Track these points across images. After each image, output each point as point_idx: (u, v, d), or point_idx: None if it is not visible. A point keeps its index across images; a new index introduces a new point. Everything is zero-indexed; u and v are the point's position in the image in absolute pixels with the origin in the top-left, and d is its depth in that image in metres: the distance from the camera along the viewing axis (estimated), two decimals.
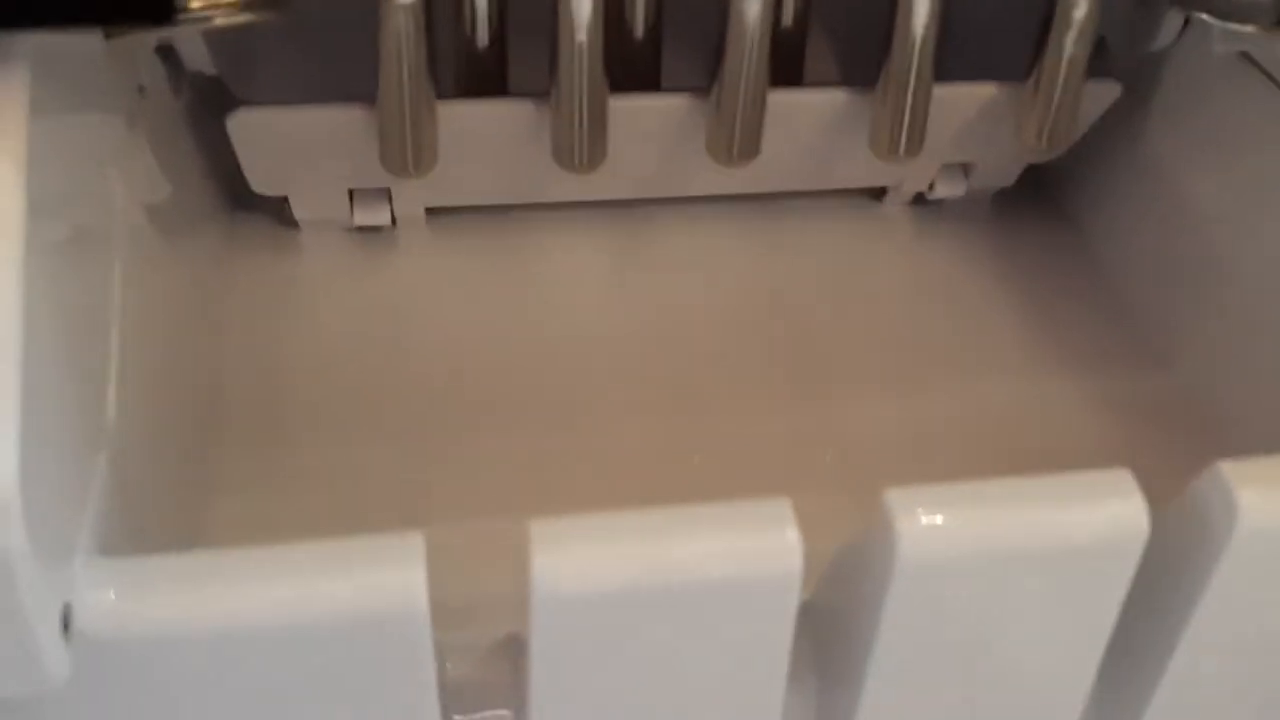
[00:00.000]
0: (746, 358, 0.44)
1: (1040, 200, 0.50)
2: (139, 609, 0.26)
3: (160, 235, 0.36)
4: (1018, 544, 0.29)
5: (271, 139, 0.40)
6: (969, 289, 0.47)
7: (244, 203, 0.45)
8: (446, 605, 0.28)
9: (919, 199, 0.49)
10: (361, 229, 0.46)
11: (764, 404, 0.42)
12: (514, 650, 0.32)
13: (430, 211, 0.46)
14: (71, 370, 0.27)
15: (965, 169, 0.47)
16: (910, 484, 0.29)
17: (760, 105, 0.39)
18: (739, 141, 0.39)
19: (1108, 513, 0.29)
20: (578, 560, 0.27)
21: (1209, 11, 0.37)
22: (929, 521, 0.28)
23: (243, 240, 0.45)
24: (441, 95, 0.39)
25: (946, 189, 0.48)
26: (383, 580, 0.26)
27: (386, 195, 0.44)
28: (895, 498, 0.28)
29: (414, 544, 0.27)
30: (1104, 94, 0.43)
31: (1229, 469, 0.30)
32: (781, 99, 0.40)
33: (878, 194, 0.49)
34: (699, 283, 0.46)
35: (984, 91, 0.41)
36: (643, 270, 0.46)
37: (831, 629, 0.33)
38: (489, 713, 0.34)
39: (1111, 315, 0.46)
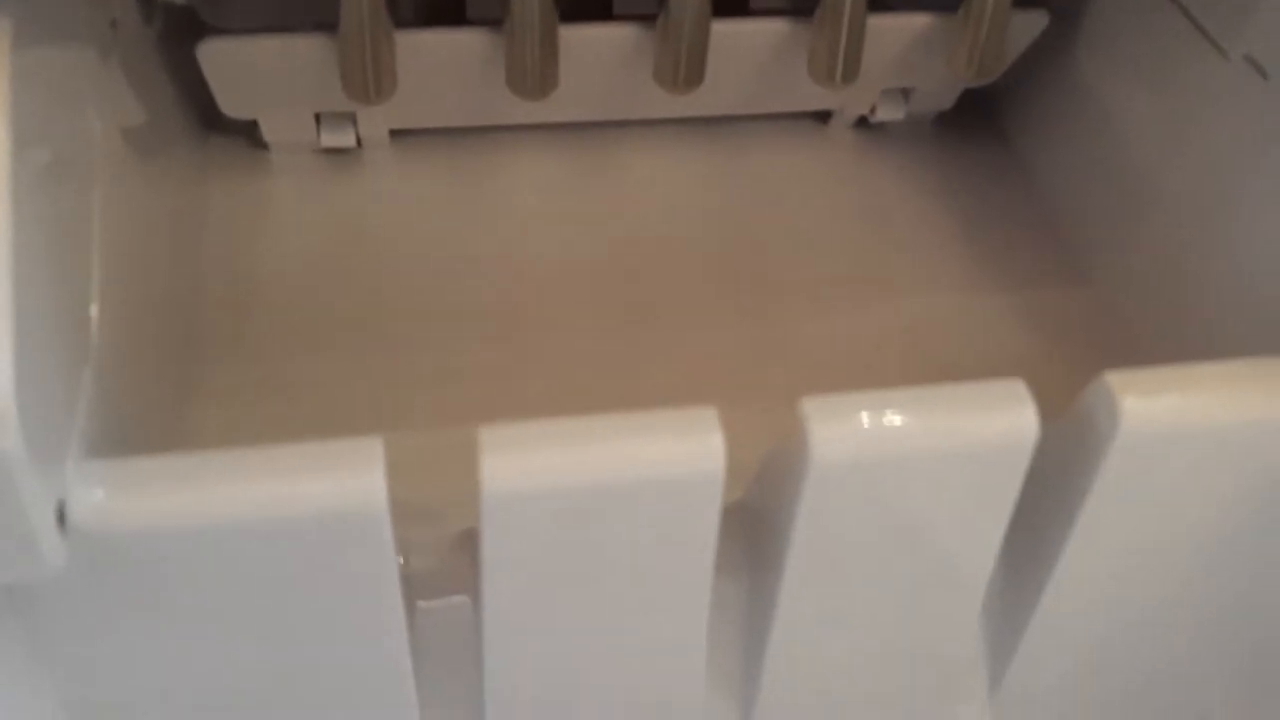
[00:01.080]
0: (695, 274, 0.46)
1: (979, 123, 0.53)
2: (124, 506, 0.29)
3: (136, 159, 0.39)
4: (919, 447, 0.32)
5: (239, 66, 0.42)
6: (908, 208, 0.49)
7: (216, 126, 0.47)
8: (411, 504, 0.32)
9: (862, 122, 0.51)
10: (328, 150, 0.48)
11: (712, 318, 0.45)
12: (471, 543, 0.35)
13: (394, 134, 0.48)
14: (57, 288, 0.30)
15: (905, 94, 0.49)
16: (843, 392, 0.32)
17: (704, 34, 0.41)
18: (684, 69, 0.41)
19: (1001, 418, 0.32)
20: (521, 462, 0.30)
21: None
22: (838, 427, 0.31)
23: (215, 162, 0.47)
24: (401, 24, 0.41)
25: (887, 112, 0.50)
26: (345, 480, 0.29)
27: (351, 119, 0.46)
28: (810, 406, 0.31)
29: (374, 447, 0.30)
30: (1032, 23, 0.45)
31: (1114, 379, 0.33)
32: (725, 28, 0.42)
33: (823, 117, 0.51)
34: (651, 203, 0.48)
35: (918, 21, 0.44)
36: (597, 190, 0.49)
37: (758, 526, 0.36)
38: (450, 599, 0.37)
39: (1042, 233, 0.49)
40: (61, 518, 0.27)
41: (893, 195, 0.50)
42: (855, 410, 0.31)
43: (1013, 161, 0.51)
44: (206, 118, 0.47)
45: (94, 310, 0.32)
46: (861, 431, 0.31)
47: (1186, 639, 0.39)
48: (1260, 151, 0.39)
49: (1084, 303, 0.47)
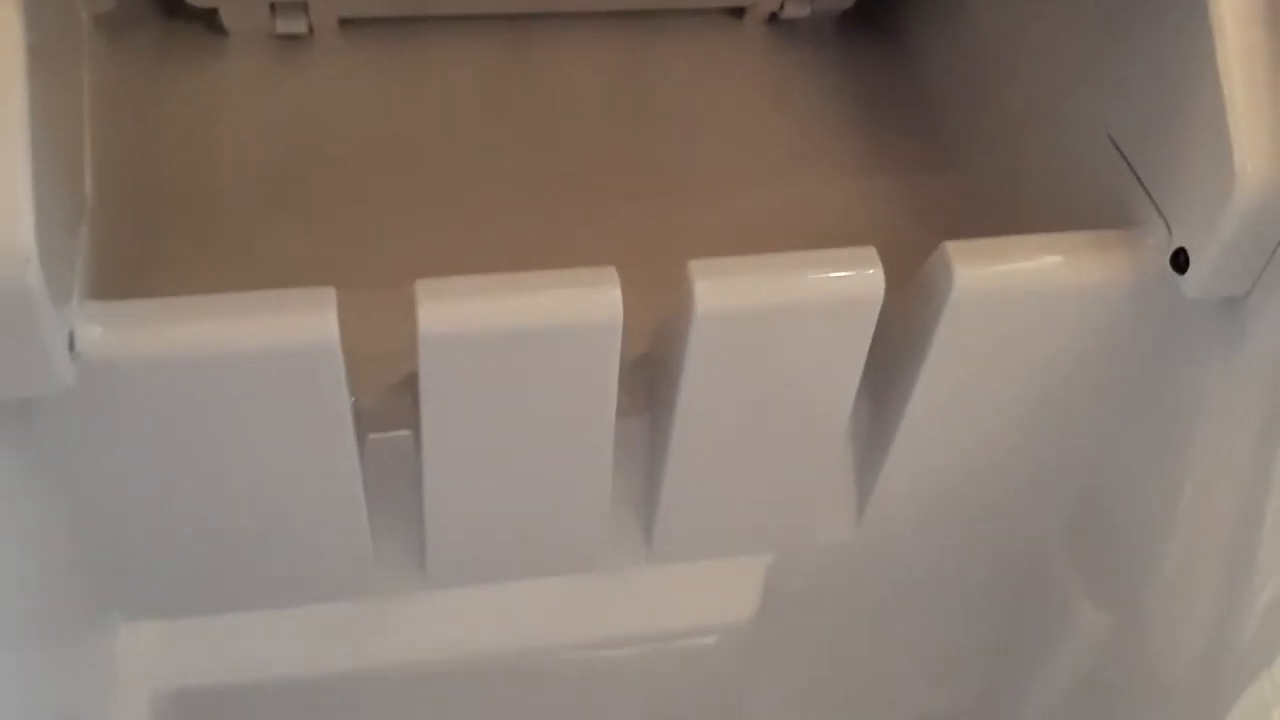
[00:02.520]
0: (609, 153, 0.52)
1: (878, 21, 0.58)
2: (120, 339, 0.34)
3: (112, 43, 0.43)
4: (787, 300, 0.38)
5: None
6: (807, 98, 0.55)
7: (179, 14, 0.51)
8: (360, 350, 0.37)
9: (773, 19, 0.56)
10: (282, 37, 0.52)
11: (621, 193, 0.50)
12: (412, 385, 0.41)
13: (343, 22, 0.53)
14: (59, 155, 0.35)
15: None
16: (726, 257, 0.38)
17: None
18: None
19: (856, 278, 0.38)
20: (451, 310, 0.36)
21: None
22: (719, 284, 0.37)
23: (179, 46, 0.51)
24: None
25: (794, 10, 0.55)
26: (302, 320, 0.35)
27: (304, 8, 0.51)
28: (696, 266, 0.38)
29: (328, 295, 0.35)
30: None
31: (952, 248, 0.39)
32: None
33: (738, 14, 0.56)
34: (571, 89, 0.53)
35: None
36: (522, 77, 0.54)
37: (655, 373, 0.42)
38: (395, 433, 0.43)
39: (923, 124, 0.55)
40: (72, 345, 0.33)
41: (794, 86, 0.55)
42: (734, 270, 0.38)
43: (904, 58, 0.57)
44: (170, 6, 0.51)
45: (87, 175, 0.38)
46: (738, 288, 0.38)
47: (1021, 474, 0.46)
48: (1084, 66, 0.44)
49: (952, 187, 0.53)
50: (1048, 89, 0.47)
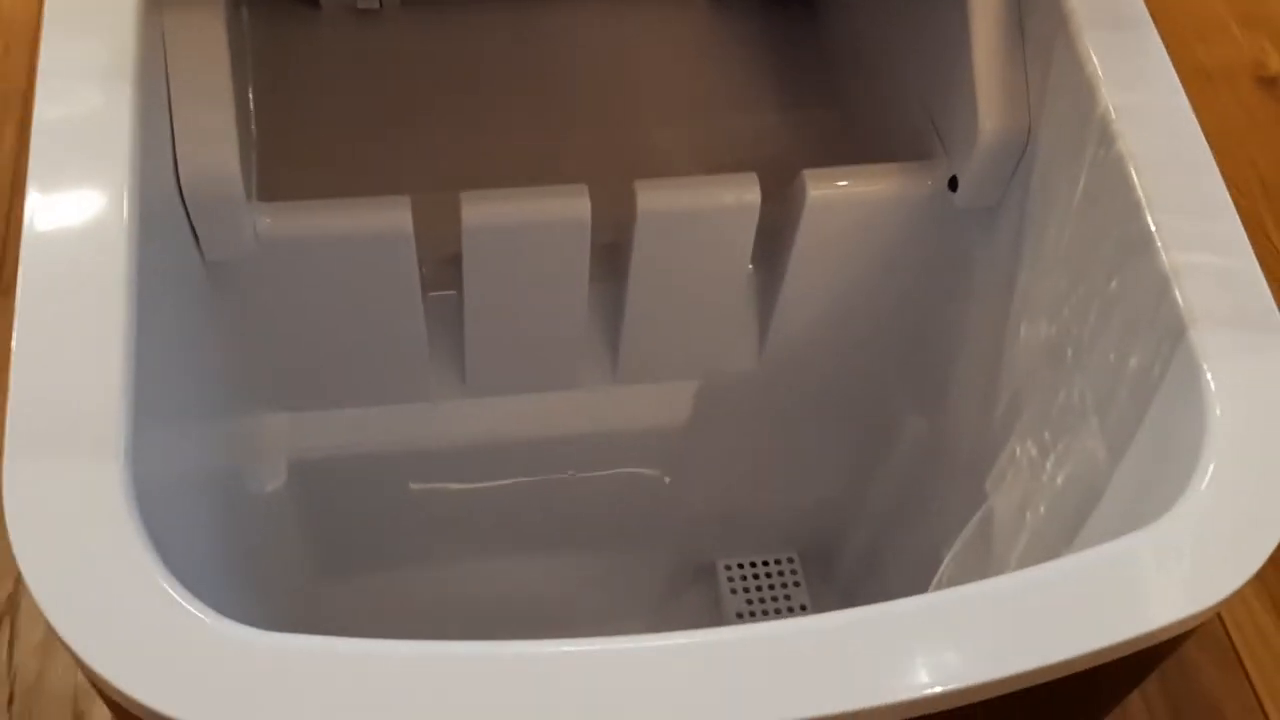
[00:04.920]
0: (589, 97, 0.72)
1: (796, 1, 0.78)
2: (280, 225, 0.56)
3: (251, 16, 0.64)
4: (697, 206, 0.59)
5: None
6: (740, 57, 0.75)
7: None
8: (422, 233, 0.58)
9: None
10: (361, 10, 0.73)
11: (599, 126, 0.71)
12: (459, 260, 0.61)
13: (404, 1, 0.73)
14: (242, 109, 0.55)
15: None
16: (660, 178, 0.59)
17: None
18: None
19: (743, 193, 0.59)
20: (484, 212, 0.57)
21: None
22: (653, 194, 0.58)
23: (292, 18, 0.72)
24: None
25: None
26: (388, 216, 0.56)
27: None
28: (639, 184, 0.59)
29: (404, 200, 0.57)
30: None
31: (808, 173, 0.60)
32: None
33: None
34: (562, 49, 0.74)
35: None
36: (524, 41, 0.74)
37: (616, 256, 0.63)
38: (446, 291, 0.64)
39: (823, 76, 0.75)
40: (254, 227, 0.54)
41: (730, 48, 0.75)
42: (663, 186, 0.59)
43: (813, 28, 0.77)
44: None
45: (251, 119, 0.59)
46: (666, 197, 0.59)
47: (867, 325, 0.67)
48: (910, 48, 0.64)
49: (835, 121, 0.72)
50: (892, 59, 0.67)
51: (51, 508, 0.37)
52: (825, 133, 0.71)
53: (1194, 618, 0.39)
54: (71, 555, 0.36)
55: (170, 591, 0.36)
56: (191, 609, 0.36)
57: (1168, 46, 1.37)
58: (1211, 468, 0.41)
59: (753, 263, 0.64)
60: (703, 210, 0.59)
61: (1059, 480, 0.55)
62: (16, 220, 1.07)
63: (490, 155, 0.70)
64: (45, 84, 0.47)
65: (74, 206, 0.44)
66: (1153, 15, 1.53)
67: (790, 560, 0.82)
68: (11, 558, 0.39)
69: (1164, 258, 0.47)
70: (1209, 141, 1.38)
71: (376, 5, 0.72)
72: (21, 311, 0.42)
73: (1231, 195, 1.33)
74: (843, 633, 0.38)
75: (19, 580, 0.87)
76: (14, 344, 0.41)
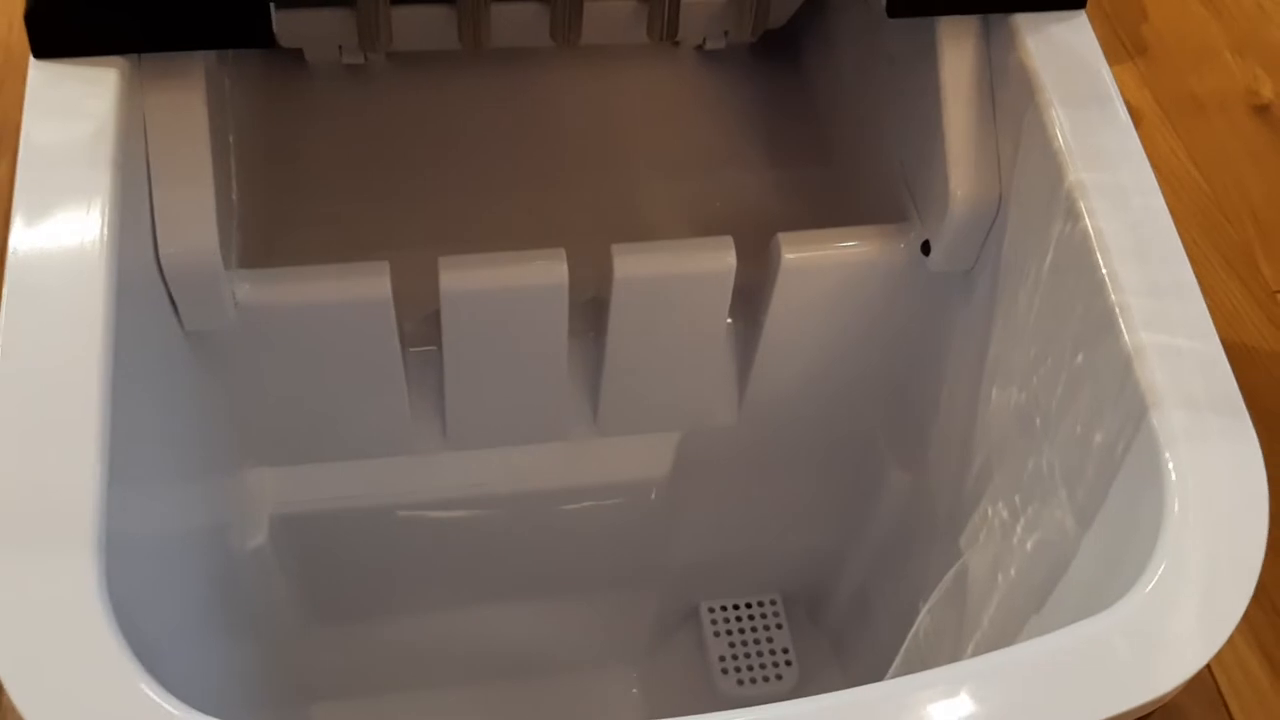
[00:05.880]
0: (577, 152, 0.73)
1: (778, 54, 0.78)
2: (260, 292, 0.56)
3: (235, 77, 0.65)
4: (673, 272, 0.60)
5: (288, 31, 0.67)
6: (723, 110, 0.76)
7: (277, 52, 0.72)
8: (401, 293, 0.59)
9: (700, 49, 0.77)
10: (347, 66, 0.73)
11: (585, 182, 0.72)
12: (437, 318, 0.62)
13: (389, 55, 0.74)
14: (222, 179, 0.56)
15: (726, 32, 0.75)
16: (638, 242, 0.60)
17: (579, 11, 0.66)
18: (570, 31, 0.67)
19: (720, 257, 0.60)
20: (462, 277, 0.58)
21: None
22: (632, 259, 0.59)
23: (277, 75, 0.73)
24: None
25: (714, 43, 0.75)
26: (369, 282, 0.57)
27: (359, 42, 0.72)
28: (616, 248, 0.59)
29: (383, 266, 0.57)
30: (790, 1, 0.70)
31: (783, 236, 0.60)
32: (593, 5, 0.67)
33: (676, 45, 0.77)
34: (552, 103, 0.74)
35: (712, 1, 0.68)
36: (516, 95, 0.75)
37: (598, 312, 0.64)
38: (426, 347, 0.65)
39: (805, 131, 0.75)
40: (233, 296, 0.55)
41: (713, 100, 0.76)
42: (639, 250, 0.59)
43: (795, 80, 0.77)
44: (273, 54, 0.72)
45: (234, 181, 0.60)
46: (643, 262, 0.59)
47: (848, 382, 0.68)
48: (886, 113, 0.64)
49: (816, 179, 0.73)
50: (869, 120, 0.68)
51: (26, 605, 0.38)
52: (806, 190, 0.72)
53: (1137, 709, 0.39)
54: (47, 654, 0.37)
55: (146, 690, 0.36)
56: (166, 706, 0.37)
57: (1161, 74, 1.38)
58: (1163, 567, 0.41)
59: (732, 318, 0.65)
60: (679, 275, 0.60)
61: (1028, 545, 0.56)
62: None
63: (474, 212, 0.70)
64: (26, 161, 0.48)
65: (51, 285, 0.45)
66: (1147, 42, 1.53)
67: (773, 603, 0.82)
68: None
69: (1127, 337, 0.47)
70: (1200, 169, 1.38)
71: (362, 60, 0.73)
72: None
73: (1222, 224, 1.33)
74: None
75: None
76: None
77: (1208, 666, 0.94)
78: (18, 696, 0.37)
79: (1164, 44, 1.35)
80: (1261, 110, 1.29)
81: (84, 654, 0.38)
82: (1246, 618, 0.99)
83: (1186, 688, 1.04)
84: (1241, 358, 1.13)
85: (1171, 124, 1.26)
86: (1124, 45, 1.34)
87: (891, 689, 0.41)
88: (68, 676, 0.37)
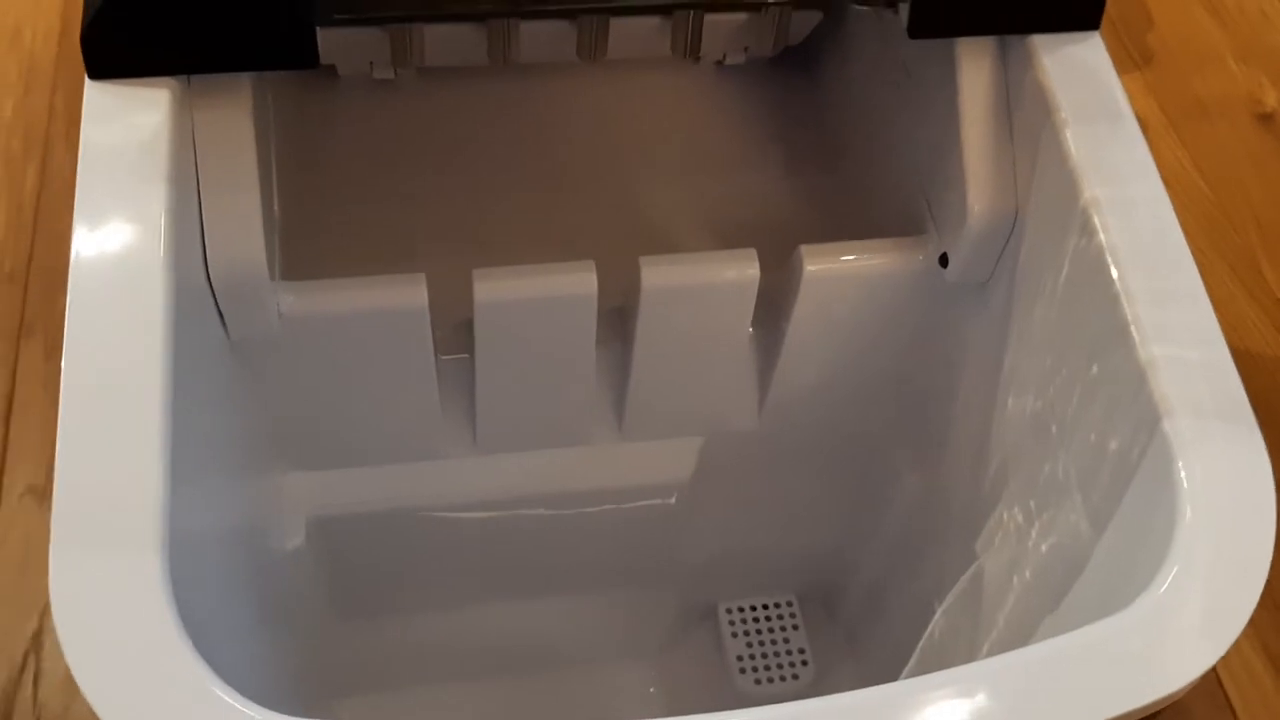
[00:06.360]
0: (600, 161, 0.75)
1: (796, 67, 0.80)
2: (302, 303, 0.58)
3: (289, 98, 0.67)
4: (700, 282, 0.62)
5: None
6: (743, 121, 0.78)
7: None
8: (438, 303, 0.61)
9: (721, 64, 0.79)
10: (377, 80, 0.75)
11: (609, 190, 0.74)
12: (470, 326, 0.64)
13: (418, 70, 0.76)
14: (266, 195, 0.58)
15: (746, 47, 0.77)
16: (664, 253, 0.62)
17: (604, 29, 0.68)
18: (595, 49, 0.69)
19: (744, 268, 0.62)
20: (494, 287, 0.60)
21: None
22: (658, 270, 0.61)
23: (315, 83, 0.75)
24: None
25: (734, 58, 0.77)
26: (407, 293, 0.59)
27: (389, 61, 0.74)
28: (645, 260, 0.61)
29: (419, 277, 0.59)
30: (810, 18, 0.72)
31: (805, 249, 0.62)
32: (618, 23, 0.69)
33: (697, 59, 0.79)
34: (576, 113, 0.76)
35: (738, 17, 0.70)
36: (536, 104, 0.77)
37: (623, 320, 0.66)
38: (458, 355, 0.67)
39: (823, 141, 0.77)
40: (278, 307, 0.57)
41: (734, 112, 0.78)
42: (666, 262, 0.61)
43: (812, 93, 0.79)
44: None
45: (275, 196, 0.62)
46: (669, 273, 0.61)
47: (864, 387, 0.70)
48: (904, 130, 0.66)
49: (835, 187, 0.75)
50: (887, 133, 0.70)
51: (95, 601, 0.40)
52: (824, 199, 0.74)
53: (1147, 707, 0.41)
54: (114, 649, 0.39)
55: (209, 685, 0.38)
56: (226, 697, 0.39)
57: (1166, 82, 1.39)
58: (1175, 570, 0.43)
59: (754, 325, 0.67)
60: (704, 285, 0.62)
61: (1043, 549, 0.58)
62: (38, 261, 1.10)
63: (500, 218, 0.72)
64: (85, 178, 0.50)
65: (113, 297, 0.47)
66: (1152, 50, 1.55)
67: (789, 604, 0.84)
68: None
69: (1140, 350, 0.49)
70: (1204, 177, 1.40)
71: (392, 75, 0.75)
72: (66, 400, 0.45)
73: (1226, 231, 1.35)
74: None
75: (44, 614, 0.90)
76: (59, 431, 0.44)
77: (1213, 668, 0.96)
78: (88, 690, 0.39)
79: (1169, 51, 1.37)
80: (1265, 118, 1.31)
81: (152, 651, 0.40)
82: (1252, 620, 1.02)
83: (1193, 688, 1.07)
84: (1246, 363, 1.14)
85: (1176, 131, 1.28)
86: (1130, 54, 1.35)
87: (903, 689, 0.43)
88: (136, 673, 0.39)
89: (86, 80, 0.52)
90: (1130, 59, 1.35)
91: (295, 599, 0.69)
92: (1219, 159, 1.26)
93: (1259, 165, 1.27)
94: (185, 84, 0.53)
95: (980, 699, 0.42)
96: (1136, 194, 0.53)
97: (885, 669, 0.78)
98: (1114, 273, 0.51)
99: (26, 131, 1.20)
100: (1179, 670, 0.43)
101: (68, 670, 0.87)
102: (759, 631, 0.84)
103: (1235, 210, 1.21)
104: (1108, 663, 0.42)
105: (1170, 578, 0.43)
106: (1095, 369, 0.53)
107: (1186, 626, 0.43)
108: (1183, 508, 0.46)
